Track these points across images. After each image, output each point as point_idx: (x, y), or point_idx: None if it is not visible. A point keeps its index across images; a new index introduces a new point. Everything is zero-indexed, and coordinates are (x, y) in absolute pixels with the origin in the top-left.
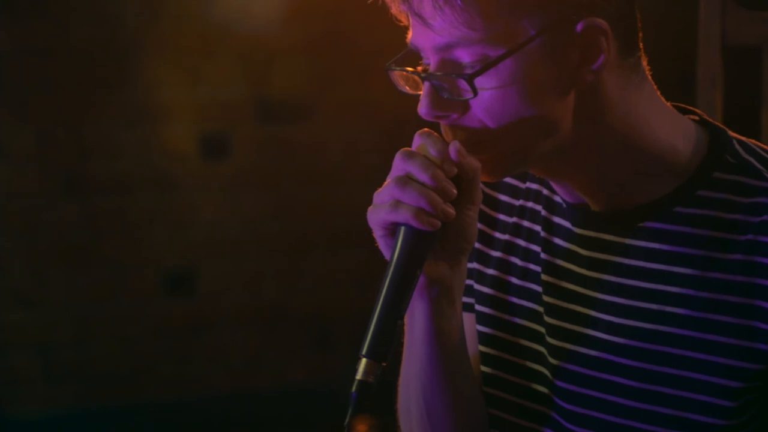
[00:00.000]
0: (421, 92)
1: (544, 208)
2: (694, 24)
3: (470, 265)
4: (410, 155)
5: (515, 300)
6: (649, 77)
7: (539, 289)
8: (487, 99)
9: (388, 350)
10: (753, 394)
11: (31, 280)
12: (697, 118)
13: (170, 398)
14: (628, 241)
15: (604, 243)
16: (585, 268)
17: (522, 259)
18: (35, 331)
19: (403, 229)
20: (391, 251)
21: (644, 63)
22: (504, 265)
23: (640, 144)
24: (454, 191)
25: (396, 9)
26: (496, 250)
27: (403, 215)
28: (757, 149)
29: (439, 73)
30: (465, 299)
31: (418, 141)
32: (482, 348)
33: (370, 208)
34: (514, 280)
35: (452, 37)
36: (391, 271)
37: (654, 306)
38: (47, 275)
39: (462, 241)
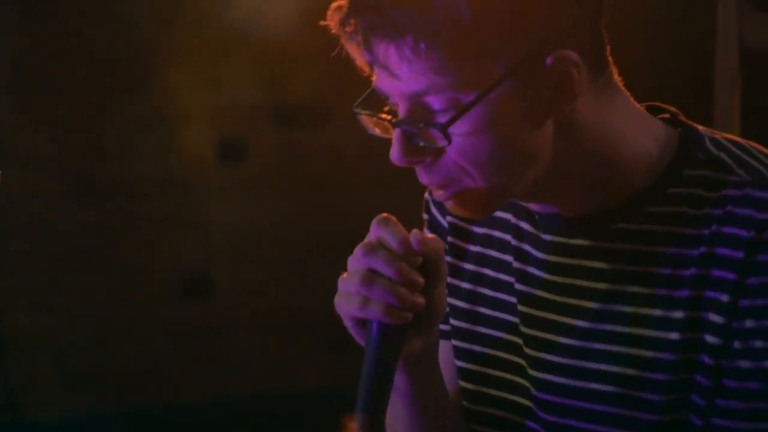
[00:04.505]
0: (391, 136)
1: (514, 215)
2: (712, 27)
3: None
4: (372, 249)
5: (488, 311)
6: (621, 86)
7: (510, 299)
8: (461, 144)
9: None
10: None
11: (45, 283)
12: (669, 117)
13: (184, 401)
14: (598, 243)
15: (573, 247)
16: (555, 274)
17: (494, 270)
18: (50, 334)
19: (374, 324)
20: (366, 343)
21: (615, 74)
22: (477, 278)
23: (617, 158)
24: (421, 281)
25: (360, 60)
26: (468, 262)
27: (373, 312)
28: (729, 145)
29: (408, 120)
30: (441, 326)
31: (377, 231)
32: (460, 363)
33: (337, 297)
34: (487, 291)
35: (420, 84)
36: (369, 366)
37: (629, 309)
38: (62, 279)
39: (433, 316)
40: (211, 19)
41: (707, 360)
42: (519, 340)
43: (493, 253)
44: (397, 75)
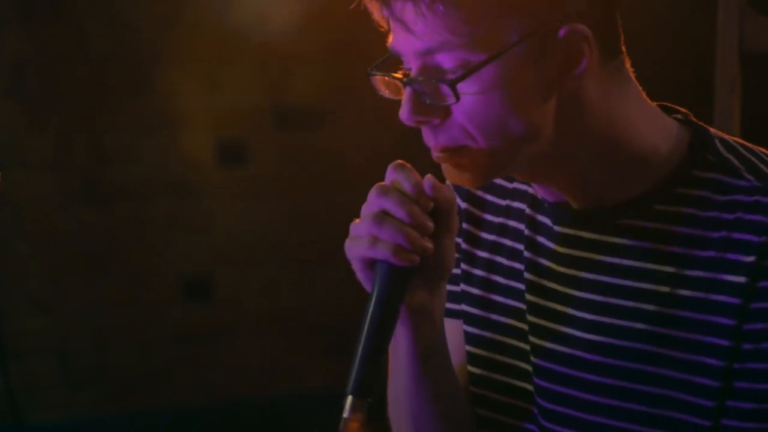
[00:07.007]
0: (402, 97)
1: (529, 206)
2: (713, 30)
3: (456, 270)
4: (385, 191)
5: (500, 299)
6: (634, 79)
7: (523, 287)
8: (468, 104)
9: (373, 386)
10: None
11: (49, 286)
12: (681, 117)
13: (188, 404)
14: (606, 238)
15: (582, 240)
16: (564, 266)
17: (508, 259)
18: (53, 337)
19: (382, 265)
20: (372, 286)
21: (628, 65)
22: (490, 265)
23: (623, 146)
24: (431, 225)
25: (378, 15)
26: (482, 250)
27: (382, 252)
28: (738, 147)
29: (420, 78)
30: (451, 305)
31: (392, 175)
32: (469, 348)
33: (347, 241)
34: (500, 279)
35: (434, 42)
36: (372, 307)
37: (629, 303)
38: (65, 281)
39: (441, 269)
40: (212, 22)
41: (714, 362)
42: (526, 327)
43: (507, 242)
44: (413, 31)
